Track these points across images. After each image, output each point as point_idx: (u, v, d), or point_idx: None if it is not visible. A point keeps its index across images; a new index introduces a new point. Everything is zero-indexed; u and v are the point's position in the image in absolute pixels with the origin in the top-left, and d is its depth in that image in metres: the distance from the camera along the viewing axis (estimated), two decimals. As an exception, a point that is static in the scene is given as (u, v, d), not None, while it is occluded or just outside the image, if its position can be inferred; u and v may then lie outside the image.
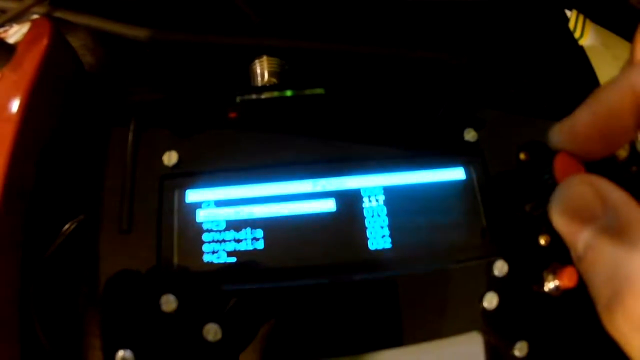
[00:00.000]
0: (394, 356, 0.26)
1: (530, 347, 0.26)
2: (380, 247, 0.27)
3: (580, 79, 0.35)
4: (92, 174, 0.28)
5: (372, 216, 0.27)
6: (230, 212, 0.27)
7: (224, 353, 0.25)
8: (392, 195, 0.28)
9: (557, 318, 0.27)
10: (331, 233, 0.27)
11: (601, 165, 0.18)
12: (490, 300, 0.27)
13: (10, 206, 0.24)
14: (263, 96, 0.31)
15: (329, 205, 0.27)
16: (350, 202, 0.27)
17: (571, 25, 0.40)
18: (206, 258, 0.26)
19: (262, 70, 0.34)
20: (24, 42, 0.28)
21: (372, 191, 0.28)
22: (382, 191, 0.28)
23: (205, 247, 0.26)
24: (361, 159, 0.29)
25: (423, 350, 0.26)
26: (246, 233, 0.27)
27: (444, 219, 0.28)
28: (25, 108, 0.26)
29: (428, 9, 0.36)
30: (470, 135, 0.30)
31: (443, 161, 0.29)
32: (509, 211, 0.28)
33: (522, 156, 0.30)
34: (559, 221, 0.16)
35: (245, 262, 0.26)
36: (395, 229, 0.27)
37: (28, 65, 0.27)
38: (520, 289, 0.27)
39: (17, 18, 0.29)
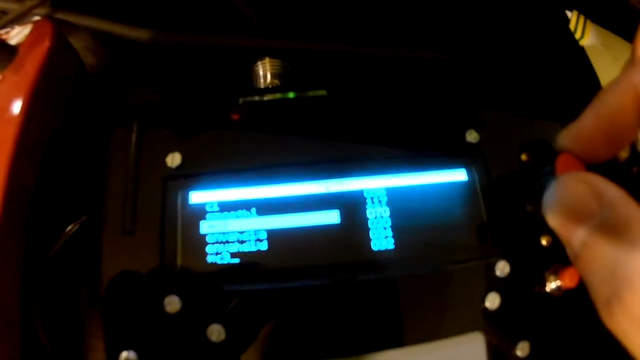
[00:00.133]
0: (396, 356, 0.26)
1: (532, 348, 0.27)
2: (383, 248, 0.27)
3: (581, 80, 0.35)
4: (95, 175, 0.28)
5: (375, 217, 0.27)
6: (233, 213, 0.27)
7: (228, 354, 0.25)
8: (395, 197, 0.28)
9: (559, 318, 0.27)
10: (334, 234, 0.27)
11: (602, 165, 0.18)
12: (492, 301, 0.27)
13: (13, 208, 0.24)
14: (266, 98, 0.31)
15: (331, 207, 0.27)
16: (353, 203, 0.27)
17: (572, 25, 0.40)
18: (210, 259, 0.26)
19: (264, 72, 0.34)
20: (26, 44, 0.28)
21: (375, 193, 0.28)
22: (385, 193, 0.28)
23: (208, 249, 0.26)
24: (363, 160, 0.29)
25: (425, 351, 0.26)
26: (250, 234, 0.27)
27: (446, 219, 0.28)
28: (27, 109, 0.26)
29: (428, 9, 0.36)
30: (471, 136, 0.30)
31: (445, 162, 0.29)
32: (510, 212, 0.28)
33: (523, 157, 0.30)
34: (554, 219, 0.16)
35: (249, 263, 0.26)
36: (398, 230, 0.27)
37: (30, 67, 0.27)
38: (522, 289, 0.27)
39: (19, 19, 0.29)
